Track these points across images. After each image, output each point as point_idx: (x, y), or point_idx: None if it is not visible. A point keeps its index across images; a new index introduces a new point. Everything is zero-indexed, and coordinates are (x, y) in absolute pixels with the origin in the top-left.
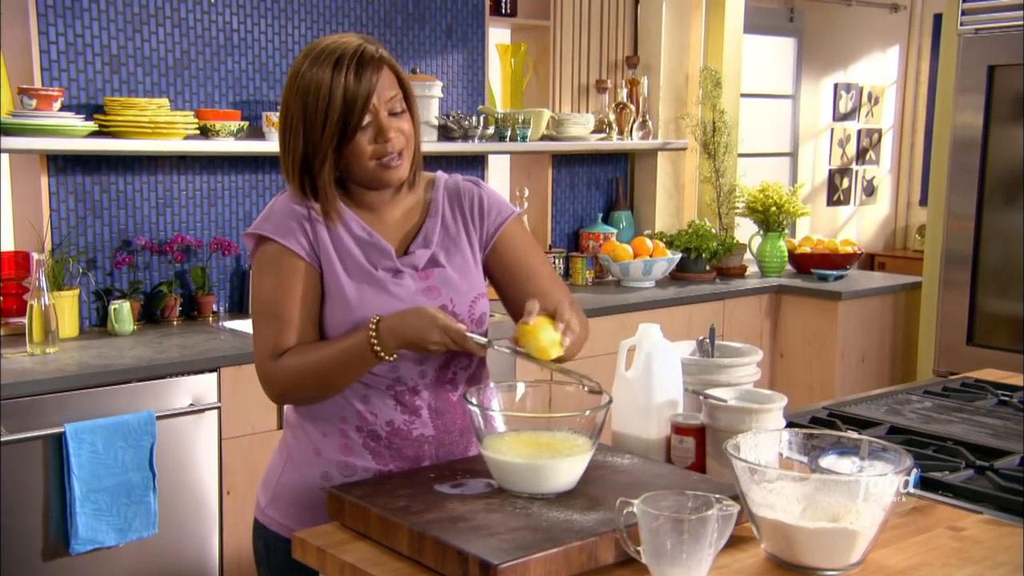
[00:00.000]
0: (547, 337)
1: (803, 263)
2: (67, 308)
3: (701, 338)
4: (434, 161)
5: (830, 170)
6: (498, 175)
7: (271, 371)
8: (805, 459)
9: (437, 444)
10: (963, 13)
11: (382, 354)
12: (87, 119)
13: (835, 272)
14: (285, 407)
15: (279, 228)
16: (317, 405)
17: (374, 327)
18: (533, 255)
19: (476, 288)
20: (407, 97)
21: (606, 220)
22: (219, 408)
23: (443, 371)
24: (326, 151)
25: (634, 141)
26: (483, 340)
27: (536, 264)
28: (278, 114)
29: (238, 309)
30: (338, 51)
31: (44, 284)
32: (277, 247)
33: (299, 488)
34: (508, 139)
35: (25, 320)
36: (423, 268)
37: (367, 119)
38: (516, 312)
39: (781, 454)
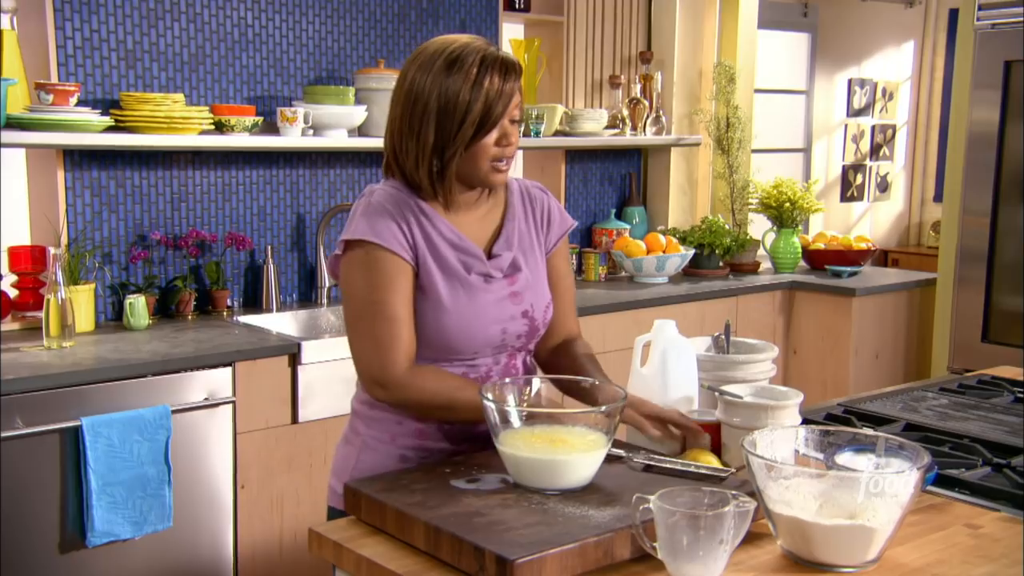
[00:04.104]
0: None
1: (817, 259)
2: (83, 302)
3: (716, 334)
4: None
5: (844, 166)
6: (511, 170)
7: (404, 380)
8: (821, 456)
9: None
10: (979, 8)
11: None
12: (103, 114)
13: (849, 268)
14: (353, 398)
15: (378, 230)
16: None
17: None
18: (568, 270)
19: (548, 293)
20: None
21: (619, 216)
22: (234, 403)
23: (511, 359)
24: (459, 146)
25: (647, 137)
26: (621, 454)
27: (569, 280)
28: (390, 112)
29: (252, 304)
30: (480, 52)
31: (60, 278)
32: (378, 250)
33: (376, 469)
34: (521, 134)
35: (42, 314)
36: (509, 273)
37: (501, 125)
38: None
39: (797, 451)
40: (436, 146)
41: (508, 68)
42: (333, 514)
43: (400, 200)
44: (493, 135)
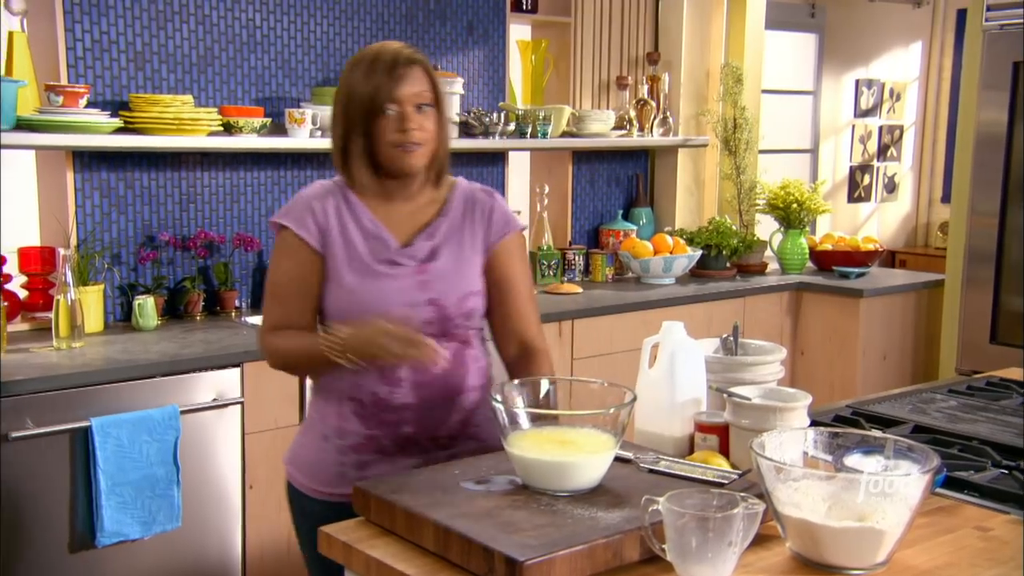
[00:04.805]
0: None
1: (824, 260)
2: (92, 303)
3: (725, 336)
4: (454, 158)
5: (851, 167)
6: (518, 172)
7: (264, 343)
8: (830, 458)
9: (419, 410)
10: (988, 8)
11: (337, 360)
12: (112, 116)
13: (856, 269)
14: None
15: (295, 217)
16: (320, 378)
17: (328, 337)
18: (522, 274)
19: (470, 285)
20: (438, 98)
21: (626, 217)
22: (242, 403)
23: None
24: (356, 130)
25: (654, 138)
26: (630, 455)
27: (522, 283)
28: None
29: (260, 305)
30: (382, 49)
31: (70, 279)
32: (291, 235)
33: (307, 447)
34: (529, 136)
35: (51, 315)
36: (422, 261)
37: (393, 108)
38: (495, 323)
39: (806, 453)
40: (344, 134)
41: (398, 58)
42: (286, 484)
43: (328, 190)
44: (387, 120)
